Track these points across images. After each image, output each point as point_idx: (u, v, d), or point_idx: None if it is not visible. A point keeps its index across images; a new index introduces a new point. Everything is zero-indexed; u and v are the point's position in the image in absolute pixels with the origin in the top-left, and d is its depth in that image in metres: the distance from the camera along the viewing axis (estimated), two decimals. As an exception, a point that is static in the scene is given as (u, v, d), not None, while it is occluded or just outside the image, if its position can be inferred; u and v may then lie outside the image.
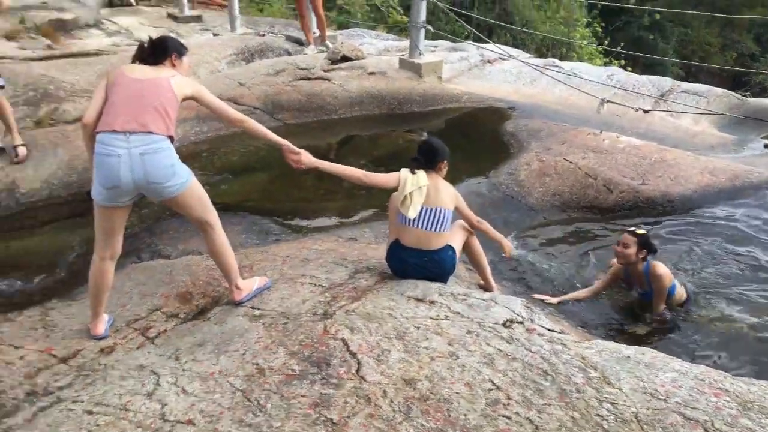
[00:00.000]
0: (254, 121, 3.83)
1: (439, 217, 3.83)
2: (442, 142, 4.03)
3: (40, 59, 8.48)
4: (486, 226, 4.21)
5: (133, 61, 3.57)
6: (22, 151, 5.86)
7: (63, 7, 11.07)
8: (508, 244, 4.36)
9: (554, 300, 4.56)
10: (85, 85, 7.53)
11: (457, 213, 4.05)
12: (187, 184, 3.36)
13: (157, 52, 3.57)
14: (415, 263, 3.87)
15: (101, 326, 3.49)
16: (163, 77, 3.40)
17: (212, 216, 3.53)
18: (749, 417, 2.48)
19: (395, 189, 3.91)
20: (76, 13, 11.19)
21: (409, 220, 3.80)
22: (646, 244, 4.45)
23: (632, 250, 4.43)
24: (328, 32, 10.67)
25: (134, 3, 14.18)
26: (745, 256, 5.09)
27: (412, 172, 3.87)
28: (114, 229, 3.38)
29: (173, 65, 3.59)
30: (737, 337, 4.20)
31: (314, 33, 10.32)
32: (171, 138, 3.32)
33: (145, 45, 3.59)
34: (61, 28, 10.56)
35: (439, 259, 3.88)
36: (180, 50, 3.66)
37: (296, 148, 3.83)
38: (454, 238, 4.02)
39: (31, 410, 2.80)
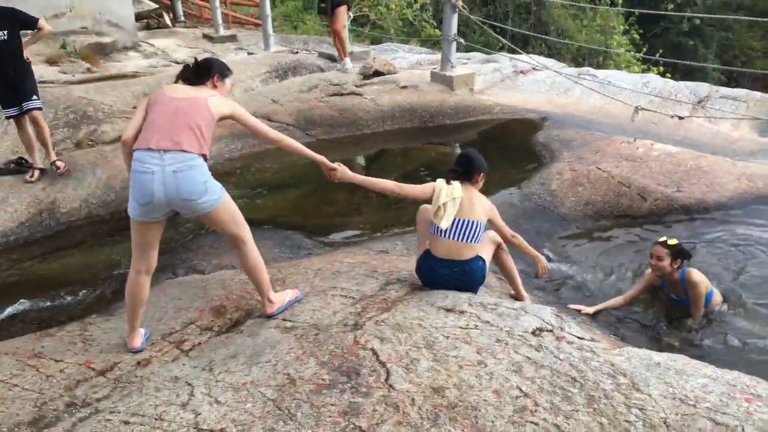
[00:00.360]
0: (291, 139, 3.90)
1: (472, 228, 3.81)
2: (481, 155, 4.03)
3: (80, 82, 8.76)
4: (520, 240, 4.13)
5: (176, 81, 3.63)
6: (60, 164, 6.15)
7: (102, 31, 11.41)
8: (543, 260, 4.24)
9: (590, 310, 4.50)
10: (123, 107, 7.75)
11: (491, 226, 4.01)
12: (219, 201, 3.41)
13: (200, 72, 3.63)
14: (445, 274, 3.87)
15: (138, 340, 3.56)
16: (202, 97, 3.45)
17: (245, 231, 3.57)
18: (782, 422, 2.43)
19: (428, 200, 3.92)
20: (114, 36, 11.54)
21: (441, 230, 3.79)
22: (679, 253, 4.38)
23: (666, 262, 4.37)
24: (361, 47, 10.78)
25: (171, 25, 14.50)
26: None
27: (448, 183, 3.88)
28: (149, 244, 3.46)
29: (215, 86, 3.64)
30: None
31: (349, 49, 10.41)
32: (204, 156, 3.37)
33: (190, 65, 3.67)
34: (100, 51, 10.91)
35: (470, 269, 3.87)
36: (223, 72, 3.71)
37: (332, 164, 3.89)
38: (484, 248, 4.00)
39: (71, 421, 2.87)
